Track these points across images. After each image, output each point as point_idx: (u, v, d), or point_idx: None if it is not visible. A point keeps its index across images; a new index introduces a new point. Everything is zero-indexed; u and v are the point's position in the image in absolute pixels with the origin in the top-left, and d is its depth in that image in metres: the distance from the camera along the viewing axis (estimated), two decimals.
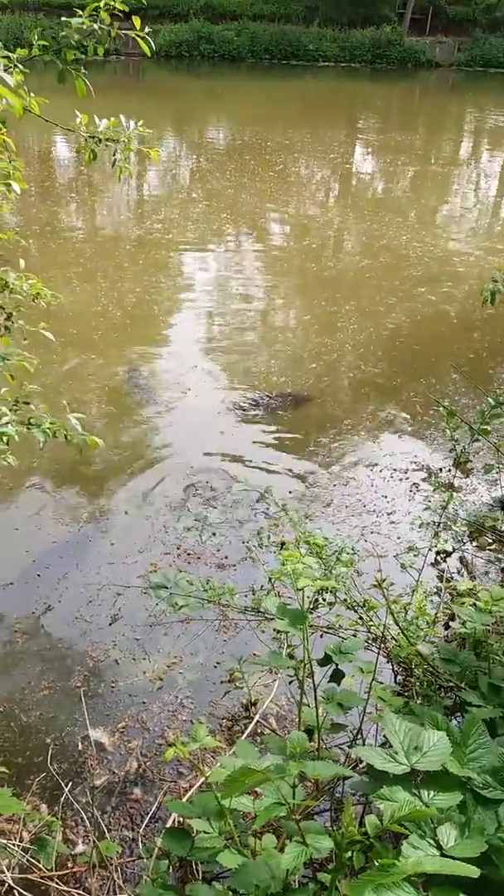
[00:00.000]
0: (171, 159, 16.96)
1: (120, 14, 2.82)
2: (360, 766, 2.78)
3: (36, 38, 2.80)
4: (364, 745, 2.79)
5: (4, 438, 2.89)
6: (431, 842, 1.78)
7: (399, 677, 3.15)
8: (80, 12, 2.79)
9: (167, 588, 3.11)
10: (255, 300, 9.25)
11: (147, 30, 2.88)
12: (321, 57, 35.51)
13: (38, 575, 4.55)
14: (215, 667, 3.89)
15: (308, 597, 3.03)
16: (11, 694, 3.71)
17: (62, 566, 4.63)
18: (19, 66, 2.76)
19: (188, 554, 4.76)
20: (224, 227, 12.11)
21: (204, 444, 6.02)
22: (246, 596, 4.02)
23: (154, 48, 2.96)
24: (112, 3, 2.77)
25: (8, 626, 4.15)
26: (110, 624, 4.18)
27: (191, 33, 33.89)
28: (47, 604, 4.32)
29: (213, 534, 4.94)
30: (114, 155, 3.03)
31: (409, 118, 26.08)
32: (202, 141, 19.59)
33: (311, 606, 3.23)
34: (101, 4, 2.77)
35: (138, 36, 2.89)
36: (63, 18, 2.80)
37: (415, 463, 5.92)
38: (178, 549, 4.80)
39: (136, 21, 2.90)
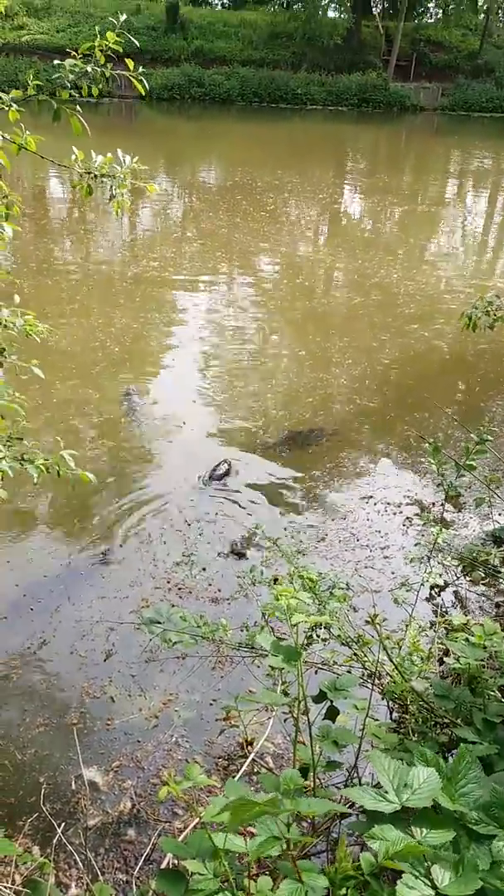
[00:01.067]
0: (165, 199, 17.26)
1: (114, 56, 2.90)
2: (356, 805, 2.76)
3: (31, 79, 2.87)
4: (360, 782, 2.78)
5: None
6: (426, 881, 1.78)
7: (394, 714, 3.14)
8: (75, 54, 2.86)
9: (160, 623, 3.11)
10: (250, 336, 9.38)
11: (141, 69, 2.96)
12: (309, 100, 36.44)
13: (31, 609, 4.53)
14: (210, 704, 3.87)
15: (303, 632, 3.04)
16: (7, 730, 3.67)
17: (54, 600, 4.61)
18: (14, 105, 2.83)
19: (179, 588, 4.75)
20: (219, 265, 12.29)
21: (195, 477, 6.04)
22: (240, 631, 4.02)
23: (148, 89, 3.04)
24: (107, 43, 2.84)
25: (4, 661, 4.12)
26: (105, 660, 4.15)
27: (182, 77, 34.74)
28: (42, 638, 4.30)
29: (204, 568, 4.95)
30: (110, 190, 3.07)
31: (395, 160, 26.69)
32: (194, 181, 19.96)
33: (306, 642, 3.23)
34: (96, 44, 2.84)
35: (133, 76, 2.96)
36: (57, 61, 2.87)
37: (408, 497, 5.96)
38: (168, 583, 4.80)
39: (130, 63, 2.97)
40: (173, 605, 4.34)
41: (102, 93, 3.04)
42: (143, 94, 3.02)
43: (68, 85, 2.86)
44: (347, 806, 2.66)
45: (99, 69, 2.86)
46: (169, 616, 3.05)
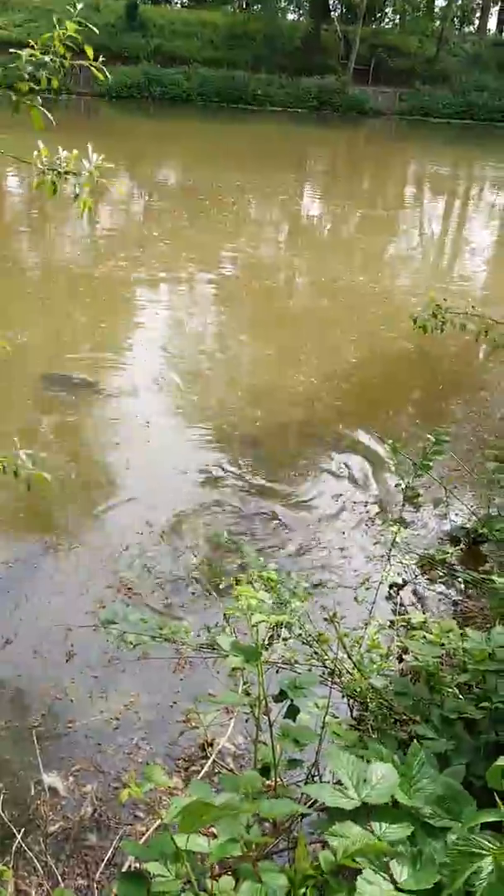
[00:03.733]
0: (127, 198, 17.15)
1: (74, 48, 2.82)
2: (317, 803, 2.79)
3: None
4: (321, 780, 2.81)
5: None
6: (385, 876, 1.80)
7: (354, 711, 3.17)
8: (33, 44, 2.78)
9: (115, 624, 3.09)
10: (217, 337, 9.40)
11: (101, 59, 2.88)
12: (269, 102, 36.54)
13: None
14: (171, 706, 3.86)
15: (264, 631, 3.06)
16: None
17: (10, 598, 4.57)
18: None
19: (131, 591, 4.72)
20: (185, 265, 12.26)
21: (159, 479, 6.03)
22: (199, 634, 4.01)
23: (109, 78, 2.98)
24: (66, 32, 2.75)
25: None
26: (66, 661, 4.11)
27: (141, 75, 34.53)
28: (4, 637, 4.25)
29: (162, 569, 4.93)
30: (74, 188, 2.98)
31: (355, 163, 26.97)
32: (155, 181, 19.87)
33: (267, 642, 3.25)
34: (56, 34, 2.76)
35: (93, 66, 2.89)
36: (12, 50, 2.78)
37: (370, 496, 6.03)
38: (123, 584, 4.76)
39: (89, 50, 2.88)
40: (128, 605, 4.34)
41: (60, 89, 2.96)
42: (104, 80, 2.92)
43: (26, 76, 2.78)
44: (308, 805, 2.69)
45: (58, 59, 2.77)
46: (126, 616, 3.03)
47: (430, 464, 3.48)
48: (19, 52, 2.74)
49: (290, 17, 42.76)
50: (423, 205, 20.17)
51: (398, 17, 46.38)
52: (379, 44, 41.21)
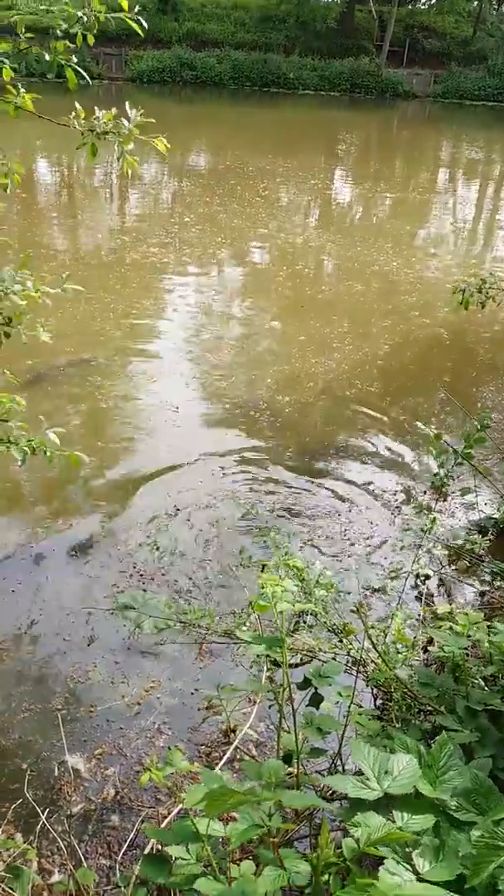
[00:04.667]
0: (159, 183, 17.13)
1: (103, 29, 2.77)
2: (339, 792, 2.78)
3: (22, 29, 2.74)
4: (343, 769, 2.80)
5: None
6: (407, 866, 1.79)
7: (378, 701, 3.15)
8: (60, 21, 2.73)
9: (135, 609, 3.10)
10: (251, 322, 9.38)
11: (130, 54, 2.85)
12: (301, 85, 36.14)
13: (13, 591, 4.53)
14: (192, 693, 3.86)
15: (288, 620, 3.05)
16: None
17: (33, 580, 4.63)
18: (6, 62, 2.72)
19: (152, 575, 4.74)
20: (218, 250, 12.23)
21: (187, 464, 6.04)
22: (223, 619, 4.02)
23: (146, 28, 2.90)
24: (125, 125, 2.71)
25: (1, 641, 4.11)
26: (88, 645, 4.15)
27: (173, 59, 34.35)
28: (31, 619, 4.30)
29: (187, 554, 4.93)
30: (117, 147, 2.89)
31: (387, 147, 26.59)
32: (187, 165, 19.80)
33: (291, 630, 3.24)
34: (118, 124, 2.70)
35: (129, 18, 2.83)
36: (42, 7, 2.73)
37: (399, 485, 5.98)
38: (144, 569, 4.78)
39: (124, 3, 2.83)
40: (144, 591, 4.35)
41: (92, 75, 2.93)
42: (142, 35, 2.87)
43: (59, 33, 2.73)
44: (329, 794, 2.68)
45: (95, 14, 2.71)
46: (146, 602, 3.03)
47: (472, 452, 3.40)
48: (51, 8, 2.68)
49: None
50: (457, 189, 19.83)
51: None
52: (414, 24, 40.52)
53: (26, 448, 3.13)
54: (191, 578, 4.72)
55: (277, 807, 2.14)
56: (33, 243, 11.61)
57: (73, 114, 2.80)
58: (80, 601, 4.46)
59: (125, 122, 2.86)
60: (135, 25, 2.74)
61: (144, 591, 4.42)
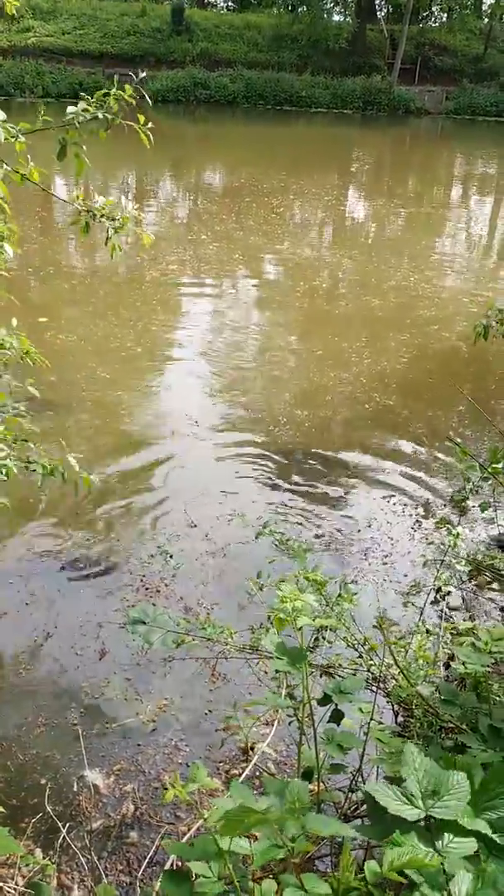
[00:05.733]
0: (175, 201, 17.29)
1: (132, 102, 2.90)
2: (361, 809, 2.75)
3: (41, 114, 2.88)
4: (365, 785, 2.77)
5: (3, 470, 2.92)
6: (444, 894, 1.71)
7: (399, 718, 3.13)
8: (88, 98, 2.85)
9: (146, 624, 3.08)
10: (267, 337, 9.45)
11: (145, 74, 2.96)
12: (314, 103, 36.44)
13: (27, 604, 4.54)
14: (206, 713, 3.83)
15: (309, 633, 3.03)
16: (8, 731, 3.66)
17: (48, 594, 4.64)
18: (21, 137, 2.84)
19: (167, 590, 4.73)
20: (237, 267, 12.36)
21: (205, 479, 6.05)
22: (241, 634, 4.00)
23: (152, 142, 3.05)
24: (123, 95, 2.85)
25: (13, 655, 4.12)
26: (100, 658, 4.15)
27: (187, 79, 34.76)
28: (46, 631, 4.31)
29: (203, 569, 4.93)
30: (107, 233, 3.09)
31: (400, 163, 26.70)
32: (202, 183, 20.00)
33: (311, 645, 3.23)
34: (112, 93, 2.84)
35: (139, 129, 2.99)
36: (70, 108, 2.86)
37: (419, 499, 5.96)
38: (159, 583, 4.78)
39: (141, 118, 2.98)
40: (154, 605, 4.35)
41: (112, 120, 3.03)
42: (148, 146, 3.02)
43: (76, 126, 2.87)
44: (352, 810, 2.65)
45: (112, 116, 2.87)
46: (155, 617, 3.02)
47: (500, 466, 3.37)
48: (75, 108, 2.81)
49: (336, 18, 42.55)
50: (471, 204, 19.88)
51: (445, 14, 45.82)
52: (425, 42, 40.76)
53: (46, 466, 3.24)
54: (204, 595, 4.71)
55: (301, 831, 2.11)
56: (53, 261, 11.75)
57: (74, 194, 3.05)
58: (92, 615, 4.47)
59: (120, 210, 3.03)
60: (144, 139, 2.93)
61: (154, 604, 4.43)
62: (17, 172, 2.88)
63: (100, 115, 2.81)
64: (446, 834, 1.78)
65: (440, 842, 1.78)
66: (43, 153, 2.95)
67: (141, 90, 2.92)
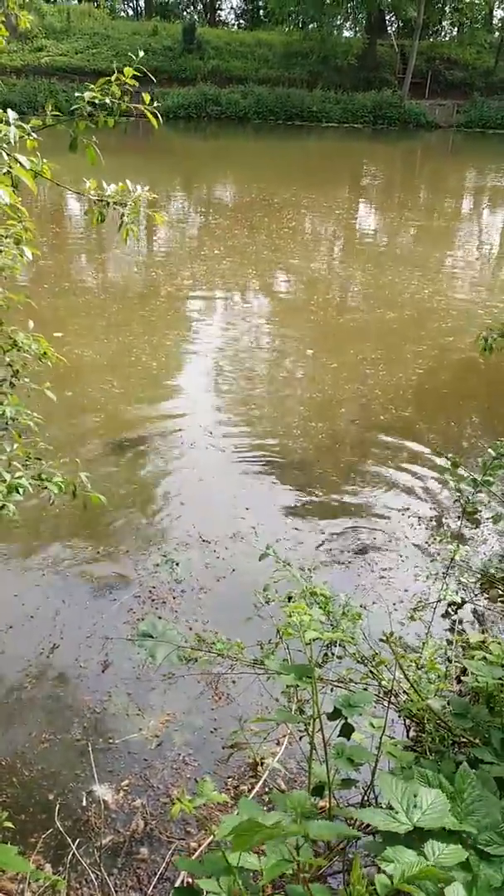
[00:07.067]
0: (187, 217, 17.42)
1: (130, 89, 2.94)
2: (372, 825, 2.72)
3: (50, 108, 2.92)
4: (376, 801, 2.75)
5: (20, 490, 2.94)
6: None
7: (411, 732, 3.10)
8: (91, 86, 2.91)
9: (153, 638, 3.08)
10: (282, 351, 9.49)
11: (156, 91, 3.01)
12: (324, 118, 36.72)
13: (31, 616, 4.56)
14: (212, 732, 3.81)
15: (318, 648, 3.02)
16: (13, 746, 3.65)
17: (50, 605, 4.66)
18: (33, 134, 2.88)
19: (173, 603, 4.72)
20: (250, 282, 12.43)
21: (218, 492, 6.06)
22: (246, 650, 3.98)
23: (161, 122, 3.08)
24: (124, 79, 2.89)
25: (20, 669, 4.12)
26: (103, 671, 4.14)
27: (199, 96, 35.17)
28: (51, 643, 4.31)
29: (213, 583, 4.91)
30: (121, 217, 3.12)
31: (413, 177, 26.80)
32: (214, 199, 20.16)
33: (321, 660, 3.21)
34: (113, 79, 2.88)
35: (147, 109, 3.01)
36: (76, 94, 2.92)
37: (433, 510, 5.93)
38: (167, 596, 4.77)
39: (146, 97, 3.02)
40: (159, 618, 4.34)
41: (120, 111, 3.08)
42: (156, 126, 3.05)
43: (85, 115, 2.91)
44: (364, 827, 2.63)
45: (116, 101, 2.90)
46: (164, 632, 3.02)
47: (491, 479, 3.38)
48: (81, 94, 2.87)
49: (346, 34, 42.89)
50: (482, 217, 19.90)
51: (455, 29, 46.09)
52: (435, 56, 41.02)
53: (58, 484, 3.29)
54: (211, 608, 4.69)
55: (305, 839, 2.10)
56: (68, 277, 11.87)
57: (87, 185, 3.04)
58: (100, 627, 4.47)
59: (130, 194, 3.07)
60: (153, 119, 2.96)
61: (160, 617, 4.42)
62: (29, 169, 2.90)
63: (107, 101, 2.84)
64: (435, 844, 1.83)
65: (431, 853, 1.82)
66: (53, 155, 2.97)
67: (153, 110, 2.94)
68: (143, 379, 8.20)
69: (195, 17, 47.08)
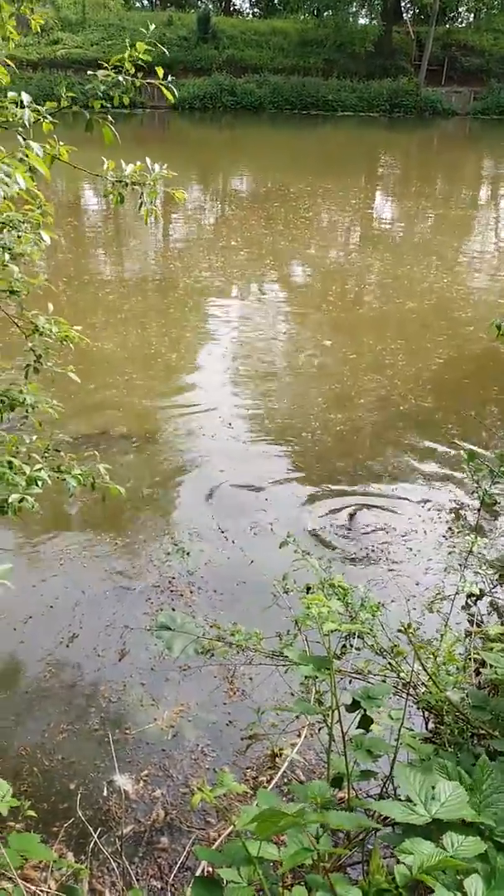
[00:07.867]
0: (203, 208, 17.40)
1: (144, 66, 2.94)
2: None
3: (64, 91, 2.93)
4: (395, 792, 2.75)
5: (39, 482, 2.96)
6: (458, 893, 1.75)
7: (430, 724, 3.10)
8: (107, 65, 2.91)
9: (172, 630, 3.10)
10: (300, 341, 9.48)
11: (171, 79, 3.01)
12: (340, 107, 36.47)
13: (51, 607, 4.60)
14: (228, 724, 3.83)
15: (336, 640, 3.02)
16: (32, 736, 3.69)
17: (70, 594, 4.69)
18: (48, 117, 2.89)
19: (190, 595, 4.74)
20: (268, 272, 12.41)
21: (237, 484, 6.07)
22: (264, 641, 3.99)
23: (177, 96, 3.08)
24: (136, 54, 2.89)
25: (39, 659, 4.16)
26: (119, 660, 4.17)
27: (214, 86, 35.04)
28: (71, 632, 4.35)
29: (228, 576, 4.93)
30: (140, 198, 3.12)
31: (429, 164, 26.54)
32: (229, 189, 20.09)
33: (339, 652, 3.21)
34: (126, 56, 2.89)
35: (162, 85, 3.01)
36: (90, 72, 2.93)
37: (453, 502, 5.91)
38: (185, 587, 4.80)
39: (160, 71, 3.01)
40: (174, 610, 4.37)
41: (135, 103, 3.10)
42: (172, 101, 3.05)
43: (100, 95, 2.91)
44: (383, 819, 2.63)
45: (129, 79, 2.90)
46: (183, 624, 3.03)
47: None
48: (95, 73, 2.88)
49: (362, 21, 42.50)
50: (501, 205, 19.69)
51: (472, 14, 45.49)
52: (452, 43, 40.55)
53: (78, 477, 3.30)
54: (229, 599, 4.71)
55: (324, 829, 2.11)
56: (86, 270, 11.91)
57: (105, 166, 3.04)
58: (115, 618, 4.50)
59: (150, 173, 3.07)
60: (169, 95, 2.99)
61: (173, 609, 4.44)
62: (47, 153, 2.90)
63: (121, 78, 2.84)
64: (453, 836, 1.83)
65: (450, 844, 1.83)
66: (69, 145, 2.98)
67: (169, 85, 2.94)
68: (163, 371, 8.23)
69: (210, 6, 46.85)
